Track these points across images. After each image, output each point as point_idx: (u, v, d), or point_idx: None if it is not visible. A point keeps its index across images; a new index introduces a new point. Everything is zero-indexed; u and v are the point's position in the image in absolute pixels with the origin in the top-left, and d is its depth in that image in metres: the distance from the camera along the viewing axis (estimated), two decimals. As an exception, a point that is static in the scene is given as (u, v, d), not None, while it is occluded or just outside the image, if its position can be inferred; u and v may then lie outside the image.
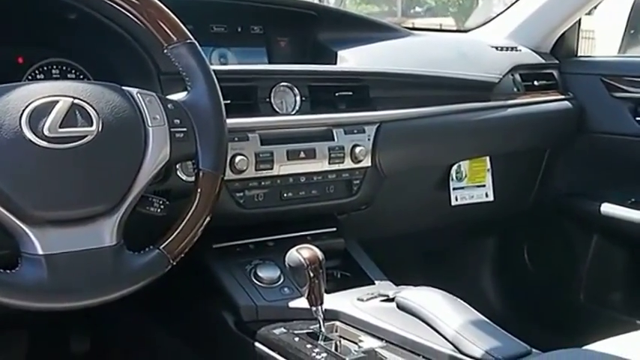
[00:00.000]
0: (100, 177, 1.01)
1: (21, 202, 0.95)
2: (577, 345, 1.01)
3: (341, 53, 1.60)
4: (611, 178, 1.89)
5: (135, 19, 1.10)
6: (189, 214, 1.08)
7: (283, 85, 1.42)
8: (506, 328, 1.16)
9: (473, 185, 1.78)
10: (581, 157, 1.94)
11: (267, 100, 1.40)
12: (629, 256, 1.91)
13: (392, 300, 1.25)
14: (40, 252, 0.96)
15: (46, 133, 0.97)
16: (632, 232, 1.80)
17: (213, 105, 1.11)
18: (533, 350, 1.11)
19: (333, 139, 1.43)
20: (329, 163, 1.42)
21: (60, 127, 0.98)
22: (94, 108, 1.01)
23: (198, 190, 1.09)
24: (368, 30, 1.72)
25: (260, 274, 1.36)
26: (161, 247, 1.06)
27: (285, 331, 1.24)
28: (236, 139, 1.31)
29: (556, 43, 1.96)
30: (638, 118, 1.81)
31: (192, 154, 1.10)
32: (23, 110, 0.97)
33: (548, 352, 0.98)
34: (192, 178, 1.12)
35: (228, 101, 1.17)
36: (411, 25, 2.22)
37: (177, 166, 1.24)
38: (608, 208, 1.82)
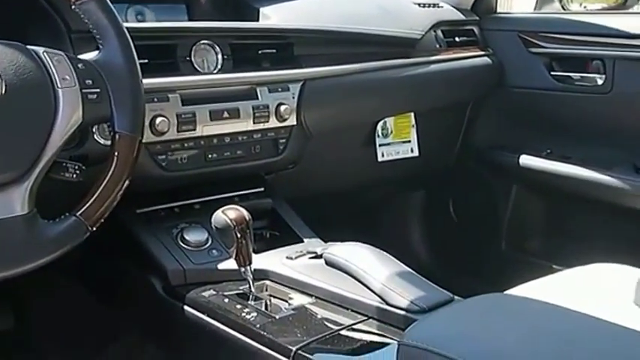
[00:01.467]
0: (6, 143, 0.96)
1: None
2: (499, 290, 1.05)
3: (263, 10, 1.57)
4: (529, 130, 1.94)
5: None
6: (107, 178, 1.05)
7: (204, 43, 1.38)
8: (432, 279, 1.19)
9: (398, 141, 1.80)
10: (501, 111, 1.99)
11: (188, 58, 1.36)
12: (546, 205, 1.99)
13: (320, 257, 1.26)
14: None
15: None
16: (548, 182, 1.87)
17: (127, 64, 1.07)
18: (456, 297, 1.14)
19: (257, 98, 1.41)
20: (254, 123, 1.41)
21: None
22: None
23: (115, 153, 1.06)
24: (290, -15, 1.70)
25: (187, 237, 1.35)
26: (78, 214, 1.03)
27: (214, 293, 1.23)
28: (155, 99, 1.27)
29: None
30: (552, 73, 1.86)
31: (108, 116, 1.05)
32: None
33: (470, 297, 1.01)
34: (110, 142, 1.09)
35: (146, 60, 1.14)
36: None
37: (94, 130, 1.20)
38: (526, 160, 1.88)
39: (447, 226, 2.16)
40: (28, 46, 1.02)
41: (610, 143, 1.79)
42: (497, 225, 2.03)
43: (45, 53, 1.02)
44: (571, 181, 1.80)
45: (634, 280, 1.20)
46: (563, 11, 2.04)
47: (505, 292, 1.10)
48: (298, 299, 1.20)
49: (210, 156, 1.40)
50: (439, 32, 1.86)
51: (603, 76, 1.77)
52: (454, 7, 1.96)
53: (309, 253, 1.31)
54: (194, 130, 1.34)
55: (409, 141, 1.82)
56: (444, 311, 0.95)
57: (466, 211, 2.13)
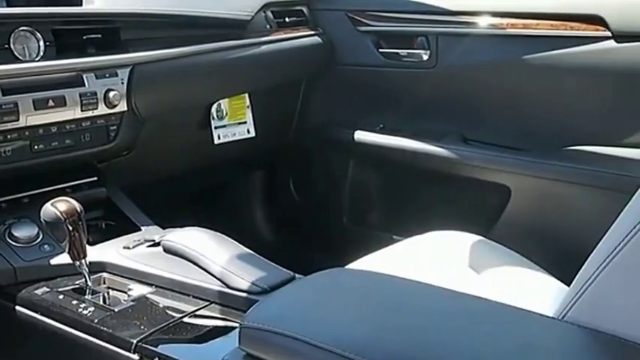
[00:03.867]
0: None
1: None
2: (341, 265, 1.08)
3: None
4: (362, 106, 2.00)
5: None
6: None
7: (24, 30, 1.32)
8: (277, 259, 1.22)
9: (234, 123, 1.80)
10: (335, 88, 2.03)
11: (7, 46, 1.29)
12: (383, 178, 2.06)
13: (158, 244, 1.25)
14: None
15: None
16: (383, 155, 1.93)
17: None
18: (297, 275, 1.17)
19: (84, 85, 1.37)
20: (81, 110, 1.36)
21: None
22: None
23: None
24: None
25: (15, 233, 1.29)
26: None
27: (48, 290, 1.19)
28: (-29, 89, 1.20)
29: (304, -20, 2.01)
30: (380, 50, 1.92)
31: None
32: None
33: (310, 275, 1.03)
34: None
35: (-41, 50, 1.07)
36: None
37: None
38: (360, 135, 1.95)
39: (289, 204, 2.20)
40: None
41: (439, 116, 1.87)
42: (337, 200, 2.08)
43: None
44: (404, 154, 1.86)
45: (468, 244, 1.29)
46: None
47: (346, 267, 1.14)
48: (138, 290, 1.19)
49: (36, 147, 1.34)
50: (269, 13, 1.87)
51: (428, 51, 1.85)
52: (283, -12, 1.98)
53: (146, 241, 1.29)
54: (17, 120, 1.27)
55: (245, 122, 1.82)
56: (285, 290, 0.96)
57: (307, 188, 2.17)
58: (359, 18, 1.94)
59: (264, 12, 1.85)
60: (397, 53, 1.92)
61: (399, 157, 1.90)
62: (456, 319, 0.80)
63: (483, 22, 1.76)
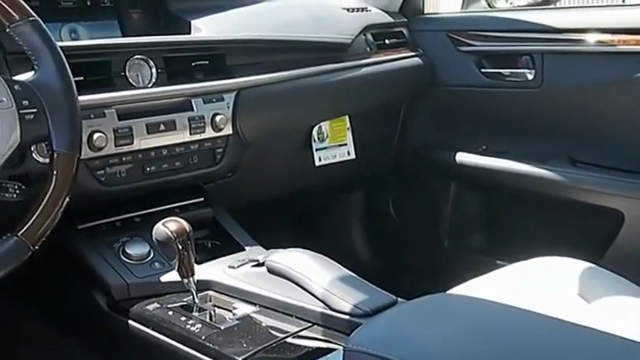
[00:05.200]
0: None
1: None
2: (442, 290, 1.06)
3: (195, 22, 1.58)
4: (464, 128, 1.98)
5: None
6: (47, 197, 1.05)
7: (138, 58, 1.39)
8: (376, 281, 1.21)
9: (335, 145, 1.82)
10: (435, 109, 2.02)
11: (122, 74, 1.37)
12: (486, 201, 2.02)
13: (262, 265, 1.27)
14: None
15: None
16: (486, 178, 1.90)
17: (62, 83, 1.08)
18: (399, 299, 1.16)
19: (193, 110, 1.42)
20: (190, 134, 1.41)
21: None
22: None
23: (54, 171, 1.06)
24: (220, -2, 1.71)
25: (129, 251, 1.35)
26: (19, 234, 1.03)
27: (158, 306, 1.24)
28: (92, 116, 1.27)
29: (404, 1, 2.01)
30: (483, 70, 1.90)
31: (45, 136, 1.06)
32: None
33: (413, 299, 1.02)
34: (48, 160, 1.09)
35: (81, 78, 1.15)
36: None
37: (33, 149, 1.19)
38: (462, 157, 1.92)
39: (388, 227, 2.18)
40: None
41: (544, 136, 1.83)
42: (438, 223, 2.05)
43: None
44: (508, 176, 1.82)
45: (577, 271, 1.23)
46: (489, 9, 2.09)
47: (449, 292, 1.13)
48: (242, 308, 1.21)
49: (148, 169, 1.40)
50: (369, 36, 1.89)
51: (533, 70, 1.81)
52: (382, 11, 1.99)
53: (251, 261, 1.32)
54: (131, 143, 1.34)
55: (345, 144, 1.84)
56: (388, 314, 0.95)
57: (406, 211, 2.15)
58: (460, 38, 1.92)
59: (365, 34, 1.87)
60: (500, 73, 1.89)
61: (502, 180, 1.86)
62: (564, 350, 0.77)
63: (592, 39, 1.70)
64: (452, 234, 2.06)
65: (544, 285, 1.22)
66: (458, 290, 1.20)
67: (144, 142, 1.36)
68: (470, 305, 0.93)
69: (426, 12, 2.08)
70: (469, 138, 1.95)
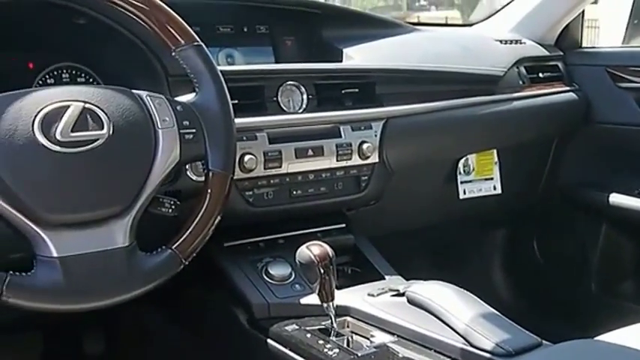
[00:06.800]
0: (112, 179, 1.03)
1: (35, 206, 0.97)
2: (589, 336, 1.01)
3: (347, 51, 1.60)
4: (619, 168, 1.89)
5: (143, 24, 1.11)
6: (200, 214, 1.10)
7: (290, 84, 1.43)
8: (516, 320, 1.17)
9: (481, 178, 1.78)
10: (588, 147, 1.94)
11: (275, 99, 1.41)
12: (638, 245, 1.91)
13: (402, 295, 1.26)
14: (55, 254, 0.98)
15: (58, 137, 0.98)
16: (641, 222, 1.80)
17: (222, 106, 1.13)
18: (544, 342, 1.11)
19: (341, 136, 1.44)
20: (337, 160, 1.43)
21: (72, 132, 0.99)
22: (104, 112, 1.03)
23: (209, 190, 1.11)
24: (372, 27, 1.72)
25: (271, 271, 1.37)
26: (173, 247, 1.07)
27: (297, 327, 1.25)
28: (244, 138, 1.32)
29: (560, 34, 1.96)
30: (643, 108, 1.81)
31: (202, 155, 1.11)
32: (35, 116, 0.99)
33: (559, 343, 0.98)
34: (202, 178, 1.14)
35: (236, 101, 1.19)
36: (416, 19, 2.23)
37: (187, 167, 1.25)
38: (615, 198, 1.83)
39: (531, 266, 2.11)
40: (133, 91, 1.09)
41: None
42: (586, 266, 1.96)
43: (148, 97, 1.08)
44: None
45: None
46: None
47: (596, 339, 1.07)
48: (380, 337, 1.20)
49: (294, 192, 1.42)
50: (522, 69, 1.85)
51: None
52: (537, 43, 1.95)
53: (390, 290, 1.30)
54: (280, 167, 1.37)
55: (492, 178, 1.80)
56: (533, 356, 0.92)
57: (552, 251, 2.08)
58: (620, 74, 1.84)
59: (518, 67, 1.83)
60: (663, 112, 1.80)
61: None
62: None
63: None
64: (600, 278, 1.97)
65: None
66: (605, 338, 1.13)
67: (292, 166, 1.39)
68: (619, 353, 0.88)
69: (583, 46, 2.00)
70: (624, 179, 1.86)
